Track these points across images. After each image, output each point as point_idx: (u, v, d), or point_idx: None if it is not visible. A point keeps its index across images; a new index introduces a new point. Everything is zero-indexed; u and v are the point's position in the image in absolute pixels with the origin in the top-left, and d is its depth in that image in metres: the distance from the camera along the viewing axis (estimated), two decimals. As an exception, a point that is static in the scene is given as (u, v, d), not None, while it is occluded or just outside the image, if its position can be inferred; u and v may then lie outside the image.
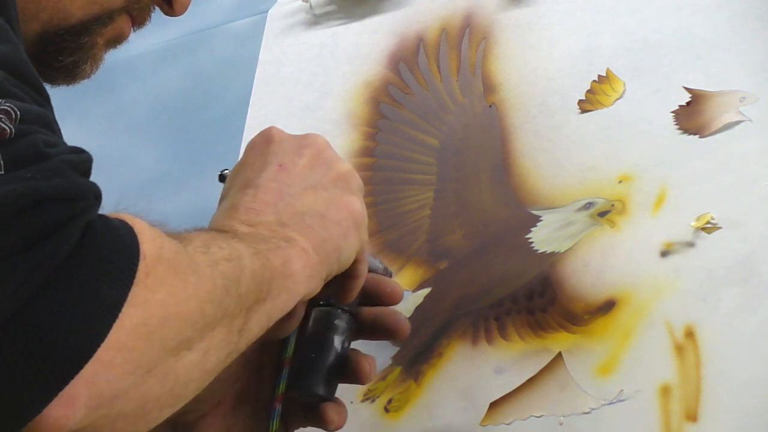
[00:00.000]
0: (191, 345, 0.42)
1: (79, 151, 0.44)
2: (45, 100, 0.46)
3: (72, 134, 1.44)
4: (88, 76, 0.65)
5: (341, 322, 0.61)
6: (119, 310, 0.38)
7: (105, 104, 1.27)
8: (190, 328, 0.41)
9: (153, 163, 1.14)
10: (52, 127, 0.44)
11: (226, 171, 0.62)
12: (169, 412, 0.42)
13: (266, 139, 0.61)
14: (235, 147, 1.08)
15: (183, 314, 0.41)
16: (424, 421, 0.74)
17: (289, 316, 0.54)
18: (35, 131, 0.41)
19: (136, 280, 0.39)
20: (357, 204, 0.58)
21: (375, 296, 0.64)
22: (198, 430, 0.59)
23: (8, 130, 0.39)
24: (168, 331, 0.40)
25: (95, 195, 0.43)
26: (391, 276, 0.68)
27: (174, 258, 0.42)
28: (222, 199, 0.59)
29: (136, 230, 0.42)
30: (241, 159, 0.61)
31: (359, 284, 0.60)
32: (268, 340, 0.57)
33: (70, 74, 0.63)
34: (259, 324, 0.48)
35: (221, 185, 1.06)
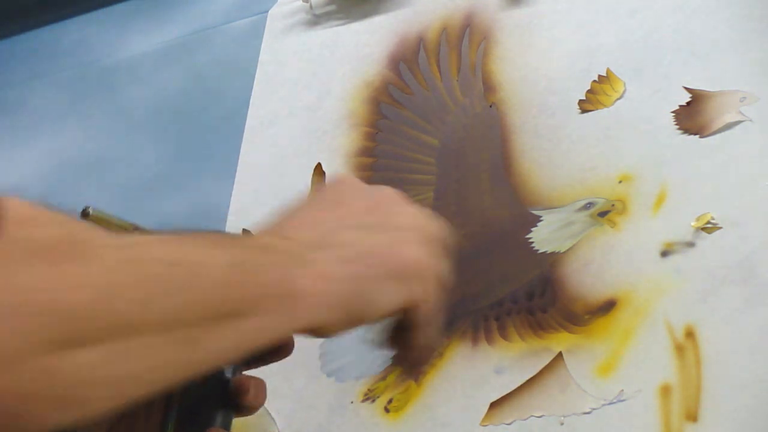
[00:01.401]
0: (86, 343, 0.38)
1: None
2: None
3: (72, 134, 1.44)
4: None
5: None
6: None
7: (105, 104, 1.27)
8: (77, 324, 0.37)
9: (153, 163, 1.14)
10: None
11: (89, 208, 0.59)
12: (66, 416, 0.38)
13: (337, 180, 0.56)
14: (235, 147, 1.08)
15: (58, 306, 0.37)
16: (424, 421, 0.74)
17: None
18: None
19: None
20: (416, 255, 0.51)
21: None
22: None
23: None
24: (33, 321, 0.36)
25: None
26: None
27: (53, 244, 0.38)
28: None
29: (4, 210, 0.37)
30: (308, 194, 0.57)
31: (412, 356, 0.54)
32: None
33: None
34: (235, 340, 0.44)
35: (220, 185, 1.06)
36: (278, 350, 0.55)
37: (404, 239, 0.52)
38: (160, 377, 0.41)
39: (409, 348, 0.54)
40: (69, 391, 0.37)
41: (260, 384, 0.56)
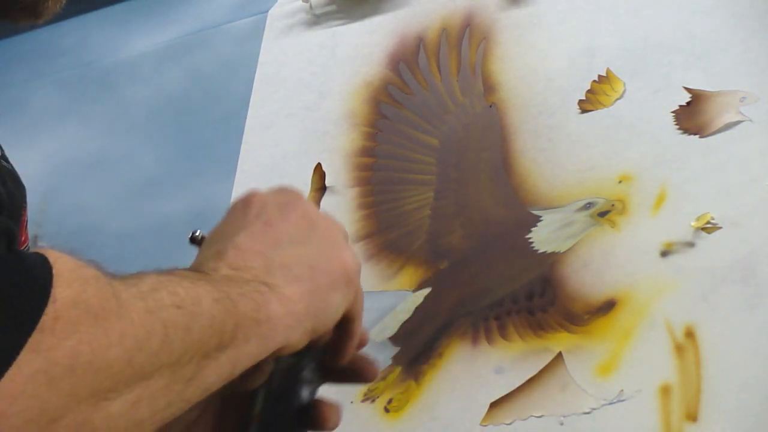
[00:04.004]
0: (113, 395, 0.40)
1: None
2: None
3: (73, 135, 1.44)
4: (53, 14, 0.63)
5: (308, 373, 0.58)
6: (14, 358, 0.37)
7: (105, 104, 1.27)
8: (111, 378, 0.40)
9: (153, 163, 1.14)
10: None
11: (198, 233, 0.60)
12: None
13: (247, 201, 0.58)
14: (235, 147, 1.08)
15: (100, 363, 0.40)
16: (424, 421, 0.74)
17: (257, 368, 0.53)
18: None
19: (40, 325, 0.38)
20: (349, 258, 0.56)
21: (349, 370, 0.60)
22: None
23: None
24: (78, 379, 0.39)
25: (2, 231, 0.41)
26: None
27: (96, 303, 0.41)
28: (199, 254, 0.57)
29: (55, 270, 0.40)
30: (222, 220, 0.59)
31: (353, 345, 0.58)
32: (231, 392, 0.56)
33: (34, 13, 0.62)
34: (218, 372, 0.46)
35: (220, 185, 1.06)
36: (360, 374, 0.59)
37: (334, 246, 0.56)
38: (164, 416, 0.44)
39: (348, 337, 0.57)
40: None
41: (336, 409, 0.59)
